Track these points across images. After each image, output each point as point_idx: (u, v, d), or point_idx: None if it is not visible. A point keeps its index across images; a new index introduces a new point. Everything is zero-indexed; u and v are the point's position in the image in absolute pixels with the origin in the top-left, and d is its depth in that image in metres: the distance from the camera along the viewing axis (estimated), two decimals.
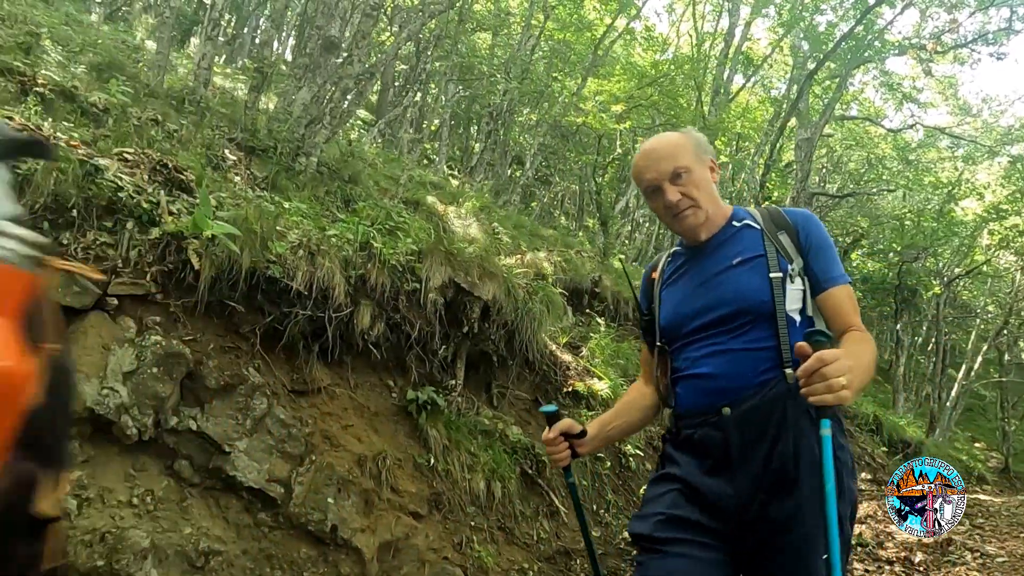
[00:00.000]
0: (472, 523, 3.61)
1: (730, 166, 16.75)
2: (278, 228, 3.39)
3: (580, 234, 13.66)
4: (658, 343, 1.73)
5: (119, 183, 2.88)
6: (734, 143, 17.36)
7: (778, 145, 13.26)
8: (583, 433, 1.76)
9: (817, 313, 1.59)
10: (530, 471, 4.13)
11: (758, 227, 1.65)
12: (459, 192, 8.97)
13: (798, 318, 1.56)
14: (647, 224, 16.77)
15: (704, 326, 1.61)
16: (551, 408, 1.77)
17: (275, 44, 15.53)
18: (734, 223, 1.68)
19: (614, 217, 14.42)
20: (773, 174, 14.13)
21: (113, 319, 2.71)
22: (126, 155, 3.22)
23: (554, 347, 5.18)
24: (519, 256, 6.35)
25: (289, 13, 15.44)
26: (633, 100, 12.41)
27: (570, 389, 4.94)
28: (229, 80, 9.02)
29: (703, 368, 1.59)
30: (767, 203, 14.08)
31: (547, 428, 1.76)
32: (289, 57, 14.92)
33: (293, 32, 15.75)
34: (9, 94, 3.50)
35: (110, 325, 2.69)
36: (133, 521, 2.54)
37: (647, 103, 12.58)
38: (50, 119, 3.23)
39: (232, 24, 13.62)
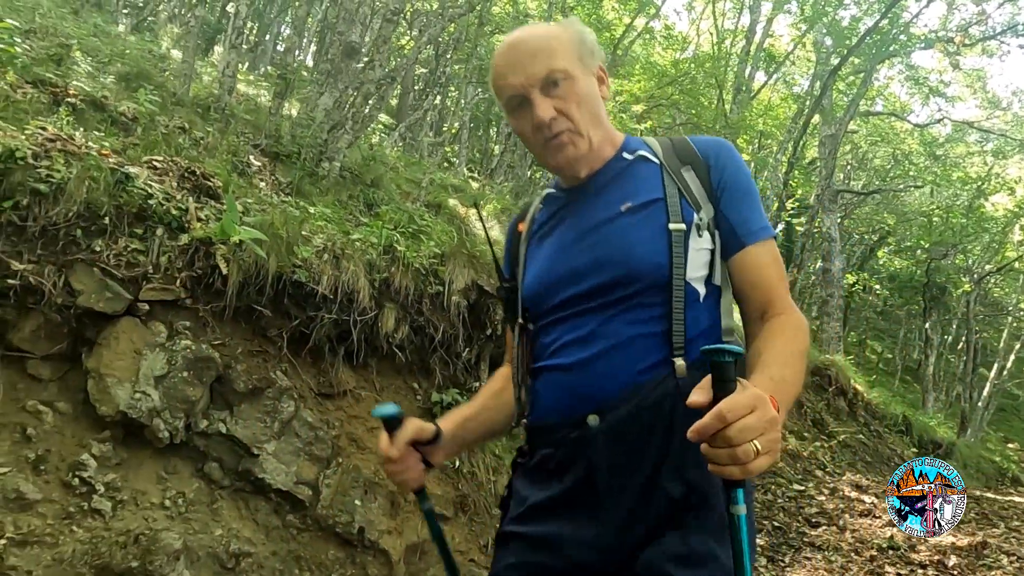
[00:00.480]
0: (498, 525, 3.61)
1: (752, 164, 16.59)
2: (303, 233, 3.42)
3: None
4: (519, 321, 1.27)
5: (149, 190, 2.93)
6: (756, 141, 17.19)
7: (801, 142, 13.11)
8: (438, 436, 1.28)
9: (727, 283, 1.17)
10: None
11: (656, 161, 1.21)
12: (480, 194, 9.00)
13: (702, 289, 1.13)
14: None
15: (575, 298, 1.16)
16: (390, 411, 1.24)
17: (297, 51, 15.72)
18: (625, 155, 1.23)
19: None
20: (796, 172, 13.98)
21: (144, 324, 2.76)
22: (155, 163, 3.28)
23: None
24: None
25: (310, 20, 15.61)
26: (653, 100, 12.35)
27: None
28: (253, 87, 9.14)
29: (567, 357, 1.15)
30: (791, 201, 13.92)
31: (385, 437, 1.25)
32: (311, 63, 15.08)
33: (314, 38, 15.92)
34: (42, 105, 3.58)
35: (141, 330, 2.74)
36: (165, 523, 2.58)
37: (668, 102, 12.51)
38: (82, 129, 3.30)
39: (254, 31, 13.82)
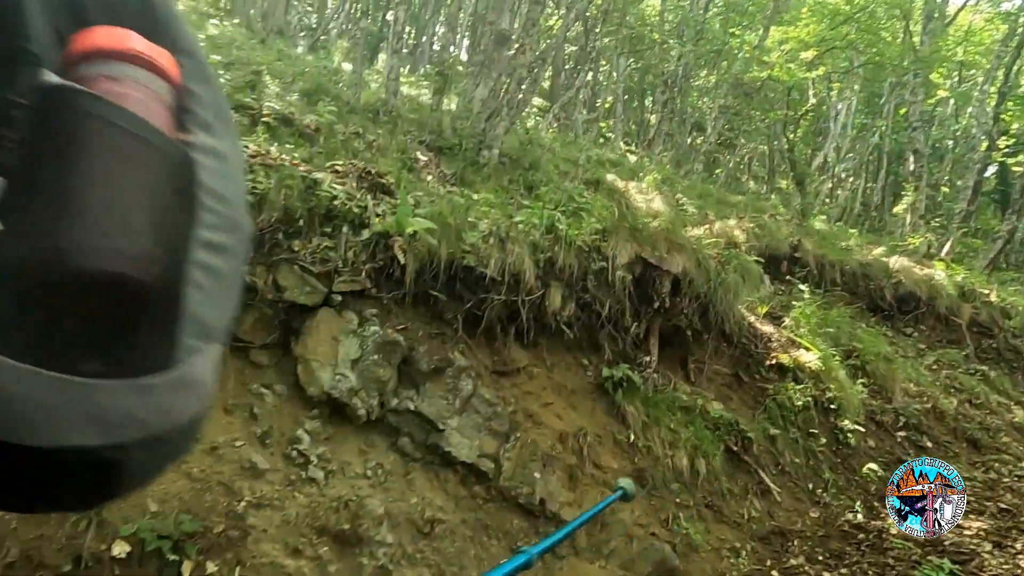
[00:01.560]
0: (677, 500, 3.56)
1: (952, 101, 14.54)
2: (469, 219, 3.58)
3: (772, 197, 12.73)
4: None
5: (333, 192, 3.23)
6: (955, 74, 15.03)
7: (1015, 68, 11.24)
8: None
9: None
10: (735, 447, 3.97)
11: None
12: (638, 167, 8.82)
13: None
14: (851, 179, 15.15)
15: None
16: None
17: (451, 46, 16.38)
18: None
19: (811, 174, 13.27)
20: (1010, 103, 12.03)
21: (339, 313, 3.06)
22: (337, 167, 3.60)
23: (752, 318, 4.91)
24: (707, 226, 6.09)
25: (462, 14, 16.16)
26: (825, 43, 11.26)
27: (773, 362, 4.65)
28: (414, 87, 9.68)
29: None
30: (1004, 139, 12.04)
31: None
32: (465, 57, 15.63)
33: (467, 32, 16.47)
34: (244, 126, 4.08)
35: (337, 319, 3.05)
36: (369, 491, 2.86)
37: (842, 44, 11.34)
38: (276, 144, 3.72)
39: (412, 35, 14.59)
